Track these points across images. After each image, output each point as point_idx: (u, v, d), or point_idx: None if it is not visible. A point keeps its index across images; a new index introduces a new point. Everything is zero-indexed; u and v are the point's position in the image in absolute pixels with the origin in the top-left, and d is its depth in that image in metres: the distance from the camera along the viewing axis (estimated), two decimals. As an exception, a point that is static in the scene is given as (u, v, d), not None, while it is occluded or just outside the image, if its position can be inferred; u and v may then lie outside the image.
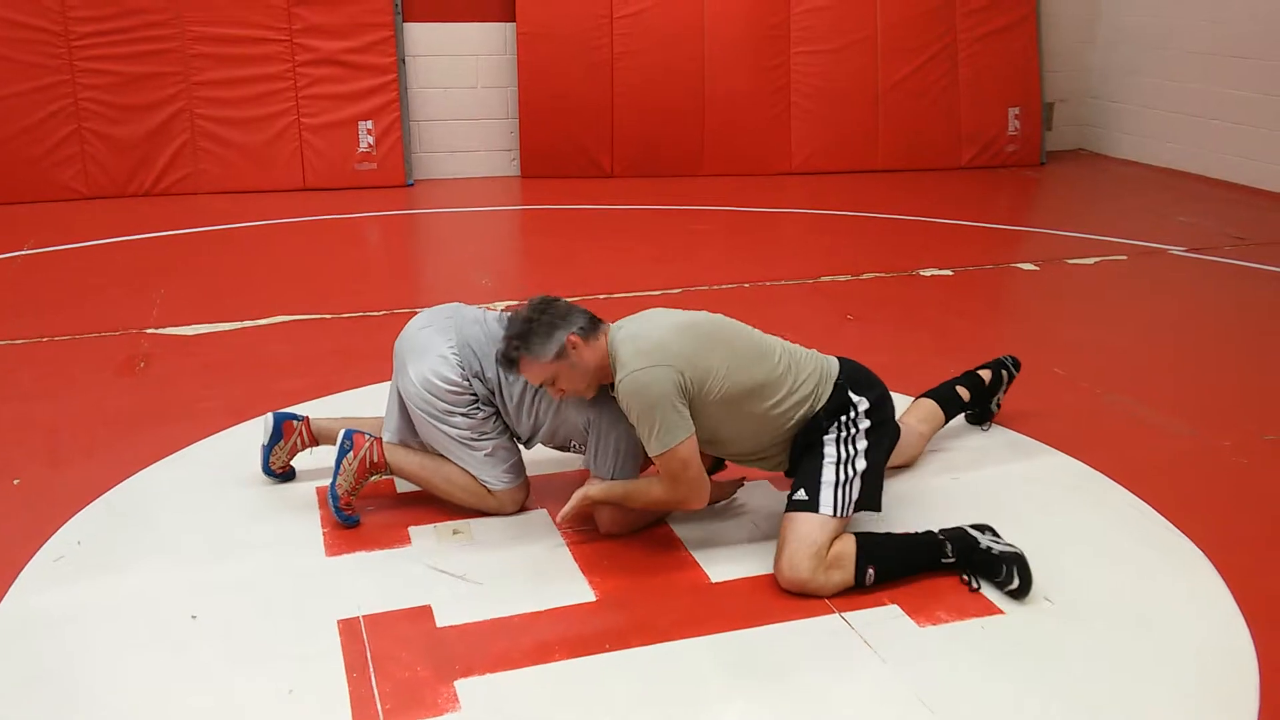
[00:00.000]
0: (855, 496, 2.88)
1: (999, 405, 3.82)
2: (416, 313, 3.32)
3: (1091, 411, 4.03)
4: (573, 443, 3.12)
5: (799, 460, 2.96)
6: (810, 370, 2.96)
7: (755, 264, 5.94)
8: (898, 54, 8.28)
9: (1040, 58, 8.64)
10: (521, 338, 2.82)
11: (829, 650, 2.60)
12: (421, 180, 7.93)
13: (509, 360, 2.85)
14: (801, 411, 2.93)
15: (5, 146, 6.97)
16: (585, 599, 2.80)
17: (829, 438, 2.92)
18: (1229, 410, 4.03)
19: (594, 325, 2.88)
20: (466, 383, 3.05)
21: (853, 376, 3.01)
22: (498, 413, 3.12)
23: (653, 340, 2.80)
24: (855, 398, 2.95)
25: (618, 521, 3.05)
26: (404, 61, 7.72)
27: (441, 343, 3.08)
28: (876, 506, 2.95)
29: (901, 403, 3.79)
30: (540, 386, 2.97)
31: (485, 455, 3.11)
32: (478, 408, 3.08)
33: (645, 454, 3.02)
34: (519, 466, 3.19)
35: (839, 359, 3.07)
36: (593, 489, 2.97)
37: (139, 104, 7.19)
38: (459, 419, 3.07)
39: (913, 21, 8.29)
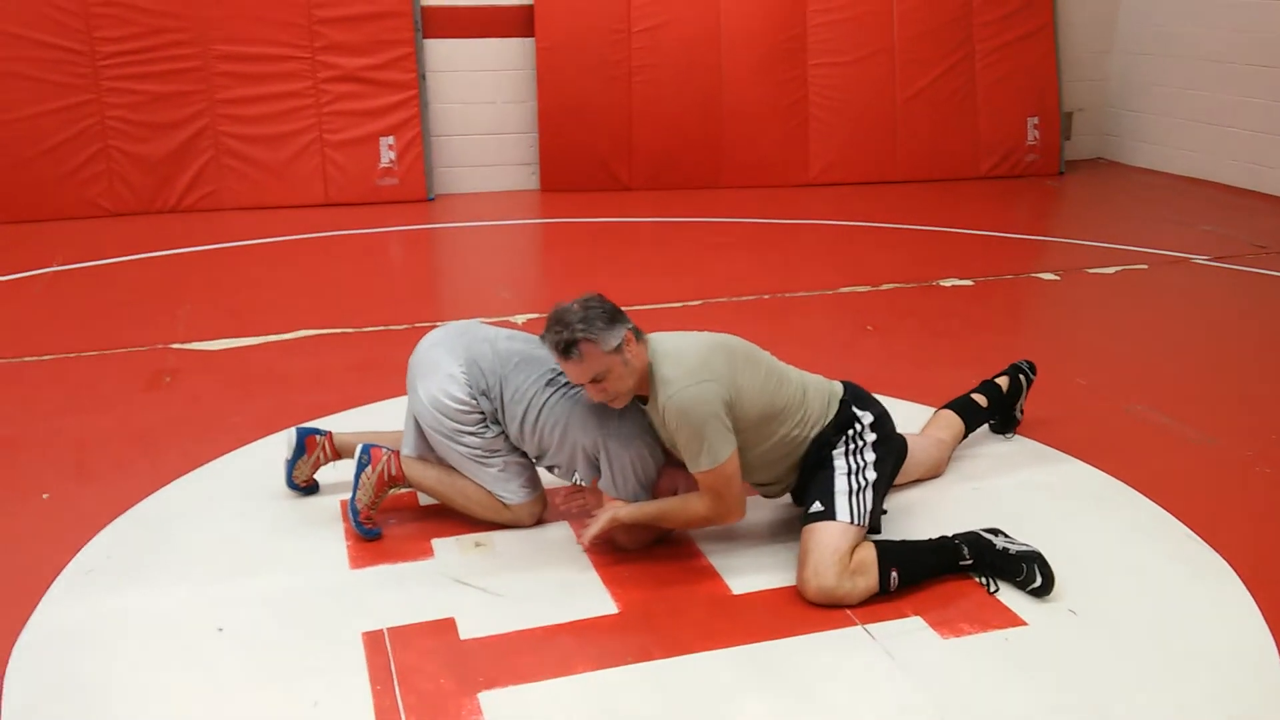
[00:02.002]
0: (869, 506, 2.91)
1: (1021, 413, 3.82)
2: (436, 326, 3.35)
3: (1113, 421, 4.01)
4: (575, 474, 3.10)
5: (809, 478, 2.99)
6: (818, 391, 3.05)
7: (774, 276, 5.95)
8: (915, 65, 8.28)
9: (1058, 67, 8.62)
10: (586, 322, 2.76)
11: (851, 662, 2.60)
12: (442, 195, 7.98)
13: (570, 343, 2.75)
14: (815, 431, 2.99)
15: (33, 165, 7.05)
16: (607, 611, 2.81)
17: (838, 452, 2.97)
18: (1252, 419, 4.01)
19: (640, 332, 2.89)
20: (474, 401, 3.06)
21: (855, 394, 3.09)
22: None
23: (695, 358, 2.83)
24: (860, 413, 3.03)
25: (636, 539, 3.06)
26: (424, 77, 7.77)
27: (450, 362, 3.10)
28: (876, 529, 2.98)
29: (922, 414, 3.80)
30: (557, 390, 2.98)
31: (498, 471, 3.13)
32: (486, 426, 3.09)
33: (657, 471, 3.03)
34: (534, 480, 3.20)
35: (841, 382, 3.15)
36: (621, 511, 2.96)
37: (164, 122, 7.26)
38: (469, 438, 3.09)
39: (930, 32, 8.29)
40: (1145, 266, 6.11)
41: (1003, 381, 3.76)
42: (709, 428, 2.76)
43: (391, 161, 7.67)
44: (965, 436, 3.63)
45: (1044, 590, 2.81)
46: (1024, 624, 2.74)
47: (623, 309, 2.91)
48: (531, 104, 8.07)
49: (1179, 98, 8.55)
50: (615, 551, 3.08)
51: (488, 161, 8.16)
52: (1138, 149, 9.00)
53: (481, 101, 8.05)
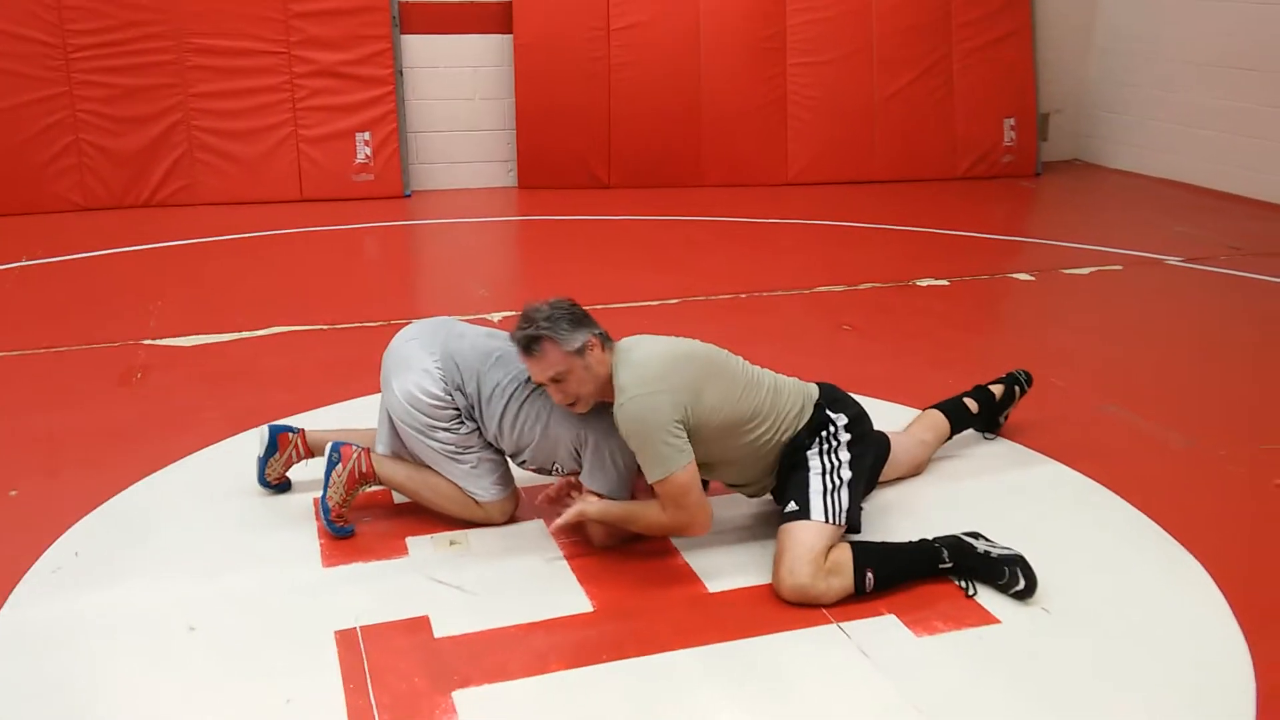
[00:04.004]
0: (845, 505, 2.91)
1: (1006, 418, 3.82)
2: (411, 324, 3.33)
3: (1088, 422, 4.03)
4: (555, 465, 3.09)
5: (786, 479, 2.99)
6: (791, 394, 3.04)
7: (752, 274, 5.95)
8: (894, 65, 8.31)
9: (1035, 68, 8.67)
10: (551, 321, 2.80)
11: (826, 660, 2.60)
12: (419, 191, 7.95)
13: (532, 339, 2.80)
14: (787, 435, 2.99)
15: (3, 158, 6.96)
16: (583, 609, 2.80)
17: (811, 452, 2.98)
18: (1225, 420, 4.04)
19: (608, 339, 2.90)
20: (449, 397, 3.04)
21: (830, 396, 3.09)
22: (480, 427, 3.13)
23: (653, 369, 2.82)
24: (833, 415, 3.03)
25: (611, 535, 3.06)
26: (401, 73, 7.73)
27: (425, 357, 3.08)
28: (856, 527, 2.98)
29: (897, 412, 3.81)
30: (537, 387, 2.97)
31: (470, 468, 3.11)
32: (460, 422, 3.07)
33: (638, 466, 3.02)
34: (506, 477, 3.18)
35: (817, 384, 3.14)
36: (590, 507, 2.95)
37: (137, 116, 7.20)
38: (442, 433, 3.07)
39: (908, 33, 8.32)
40: (1120, 268, 6.15)
41: (997, 389, 3.75)
42: (657, 439, 2.76)
43: (367, 157, 7.63)
44: (949, 439, 3.63)
45: (1026, 594, 2.81)
46: (997, 622, 2.74)
47: (595, 312, 2.93)
48: (509, 101, 8.05)
49: (1155, 100, 8.61)
50: (589, 549, 3.07)
51: (465, 158, 8.13)
52: (1114, 151, 9.06)
53: (459, 98, 8.02)
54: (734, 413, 2.91)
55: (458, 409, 3.06)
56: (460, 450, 3.08)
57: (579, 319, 2.85)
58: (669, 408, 2.77)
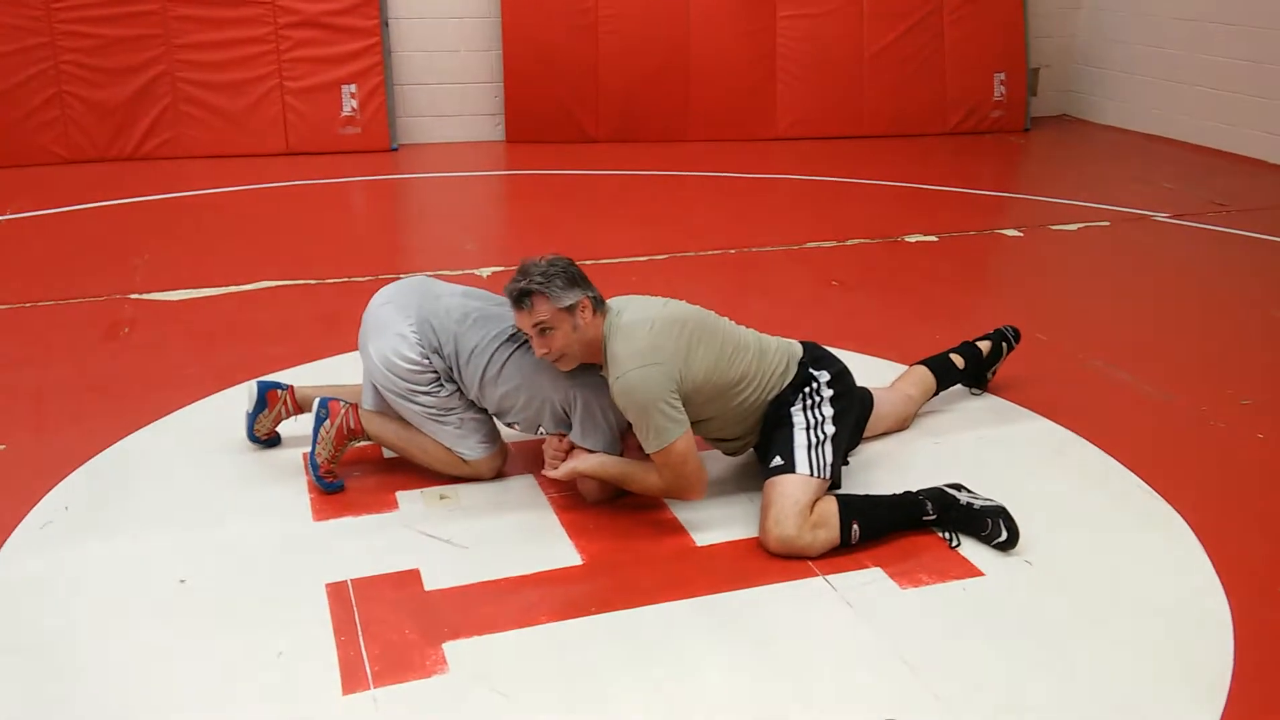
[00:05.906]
0: (829, 459, 2.93)
1: (993, 374, 3.84)
2: (398, 279, 3.32)
3: (1072, 376, 4.06)
4: (540, 428, 3.09)
5: (770, 435, 3.02)
6: (776, 354, 3.07)
7: (740, 230, 5.94)
8: (884, 19, 8.24)
9: (1026, 23, 8.62)
10: (546, 277, 2.81)
11: (812, 612, 2.64)
12: (406, 145, 7.89)
13: (525, 293, 2.81)
14: (772, 394, 3.02)
15: (-16, 110, 6.90)
16: (571, 562, 2.83)
17: (795, 408, 3.00)
18: (1208, 375, 4.08)
19: (600, 303, 2.91)
20: (426, 361, 3.03)
21: (813, 354, 3.13)
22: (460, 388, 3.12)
23: (646, 339, 2.84)
24: (816, 372, 3.06)
25: (604, 490, 3.07)
26: (387, 24, 7.64)
27: (400, 321, 3.06)
28: (836, 482, 3.01)
29: (884, 368, 3.82)
30: (517, 348, 2.98)
31: (455, 429, 3.11)
32: (440, 384, 3.06)
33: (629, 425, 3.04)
34: (493, 434, 3.18)
35: (801, 342, 3.17)
36: (583, 464, 2.97)
37: (120, 67, 7.11)
38: (423, 397, 3.06)
39: (899, -15, 8.25)
40: (1107, 223, 6.16)
41: (984, 346, 3.78)
42: (652, 410, 2.79)
43: (354, 110, 7.56)
44: (935, 394, 3.66)
45: (1009, 544, 2.85)
46: (981, 574, 2.78)
47: (583, 268, 2.92)
48: (496, 53, 7.97)
49: (1145, 56, 8.58)
50: (579, 503, 3.09)
51: (452, 111, 8.06)
52: (1103, 106, 9.04)
53: (445, 50, 7.94)
54: (722, 377, 2.93)
55: (436, 372, 3.05)
56: (443, 412, 3.08)
57: (575, 278, 2.86)
58: (664, 379, 2.80)
